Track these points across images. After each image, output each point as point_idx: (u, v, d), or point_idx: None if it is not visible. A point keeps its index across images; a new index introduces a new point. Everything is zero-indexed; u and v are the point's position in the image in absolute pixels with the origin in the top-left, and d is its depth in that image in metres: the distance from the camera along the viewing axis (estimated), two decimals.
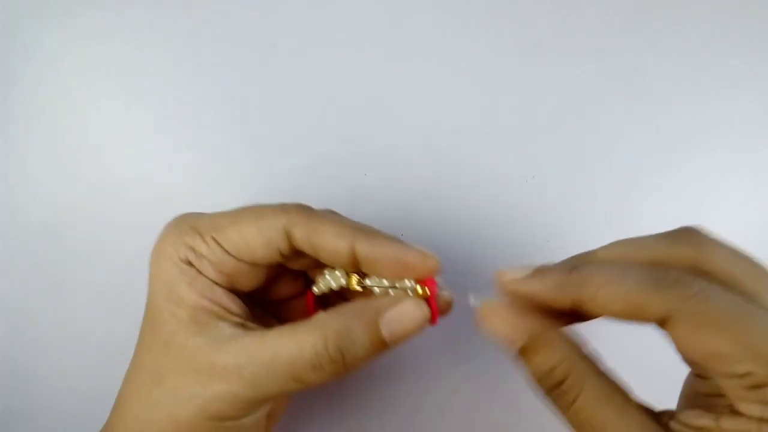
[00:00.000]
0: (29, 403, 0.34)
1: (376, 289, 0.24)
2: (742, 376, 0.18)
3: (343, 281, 0.25)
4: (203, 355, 0.22)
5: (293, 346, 0.22)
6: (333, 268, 0.25)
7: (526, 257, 0.34)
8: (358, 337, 0.22)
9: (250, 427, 0.24)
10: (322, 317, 0.23)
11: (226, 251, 0.24)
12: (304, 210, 0.24)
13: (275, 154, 0.34)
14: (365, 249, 0.23)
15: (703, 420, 0.19)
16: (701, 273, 0.20)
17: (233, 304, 0.24)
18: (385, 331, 0.22)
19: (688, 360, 0.21)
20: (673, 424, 0.19)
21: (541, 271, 0.22)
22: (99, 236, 0.34)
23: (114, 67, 0.34)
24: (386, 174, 0.34)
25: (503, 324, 0.22)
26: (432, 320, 0.24)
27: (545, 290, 0.21)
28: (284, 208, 0.24)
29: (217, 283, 0.24)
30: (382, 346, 0.23)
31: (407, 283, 0.24)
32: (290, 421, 0.33)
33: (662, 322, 0.19)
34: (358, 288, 0.25)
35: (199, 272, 0.24)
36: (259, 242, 0.24)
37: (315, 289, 0.26)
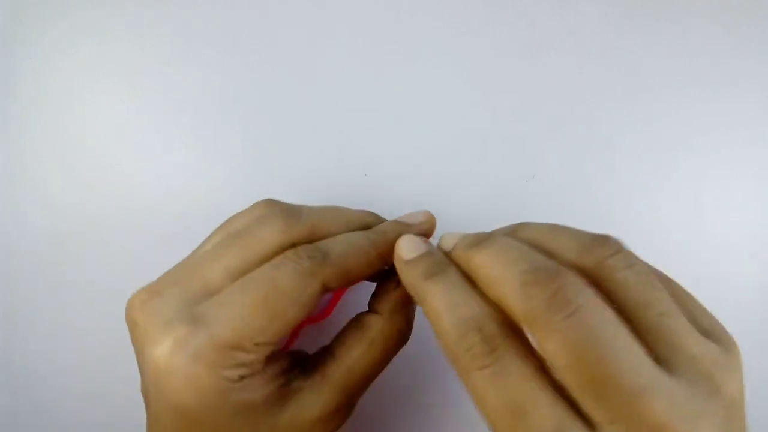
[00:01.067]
0: (29, 403, 0.34)
1: None
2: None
3: None
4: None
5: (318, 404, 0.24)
6: None
7: None
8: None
9: None
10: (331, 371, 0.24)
11: (271, 344, 0.22)
12: (328, 262, 0.23)
13: (275, 154, 0.34)
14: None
15: None
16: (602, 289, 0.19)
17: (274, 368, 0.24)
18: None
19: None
20: None
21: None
22: (99, 236, 0.34)
23: (114, 66, 0.34)
24: (386, 174, 0.34)
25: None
26: None
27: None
28: (314, 273, 0.22)
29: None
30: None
31: None
32: None
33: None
34: None
35: (252, 378, 0.22)
36: (299, 318, 0.23)
37: None
